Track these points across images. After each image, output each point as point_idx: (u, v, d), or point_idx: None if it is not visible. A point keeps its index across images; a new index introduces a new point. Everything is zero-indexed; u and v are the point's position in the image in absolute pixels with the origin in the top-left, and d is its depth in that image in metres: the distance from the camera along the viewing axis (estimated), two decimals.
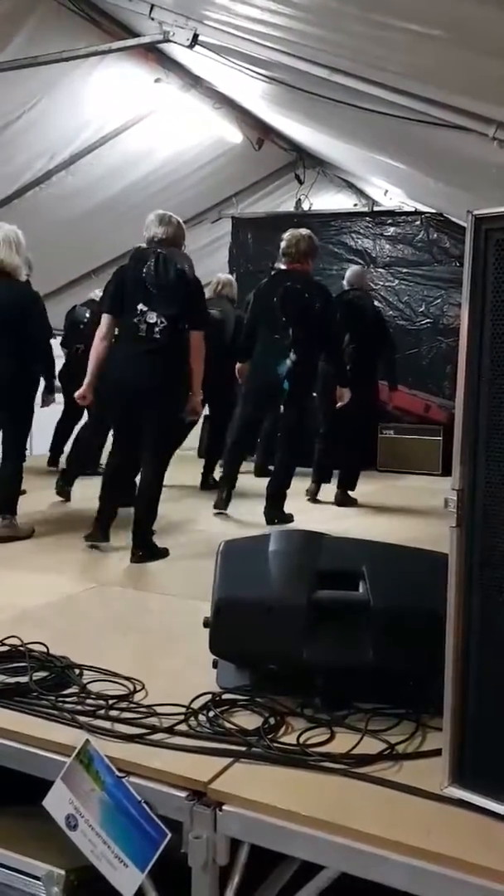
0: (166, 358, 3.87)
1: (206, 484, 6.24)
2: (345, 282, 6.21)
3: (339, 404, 5.29)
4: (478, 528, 1.59)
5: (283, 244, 4.95)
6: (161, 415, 3.91)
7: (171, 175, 8.12)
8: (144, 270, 3.89)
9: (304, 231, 5.00)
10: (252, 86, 6.20)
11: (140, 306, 3.87)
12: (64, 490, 5.31)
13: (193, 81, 6.95)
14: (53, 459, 6.81)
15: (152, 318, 3.86)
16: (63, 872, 1.85)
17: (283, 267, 5.01)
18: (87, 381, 4.14)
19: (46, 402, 5.18)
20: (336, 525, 4.74)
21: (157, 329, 3.86)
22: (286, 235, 4.99)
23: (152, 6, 5.15)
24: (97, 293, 6.41)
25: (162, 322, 3.85)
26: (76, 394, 4.24)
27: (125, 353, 3.97)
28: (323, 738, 1.91)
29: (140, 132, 7.31)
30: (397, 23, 3.53)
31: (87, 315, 6.27)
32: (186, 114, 7.20)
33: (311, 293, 4.82)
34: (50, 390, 5.27)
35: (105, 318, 4.07)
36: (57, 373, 5.58)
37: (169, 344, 3.86)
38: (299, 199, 9.22)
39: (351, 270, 6.41)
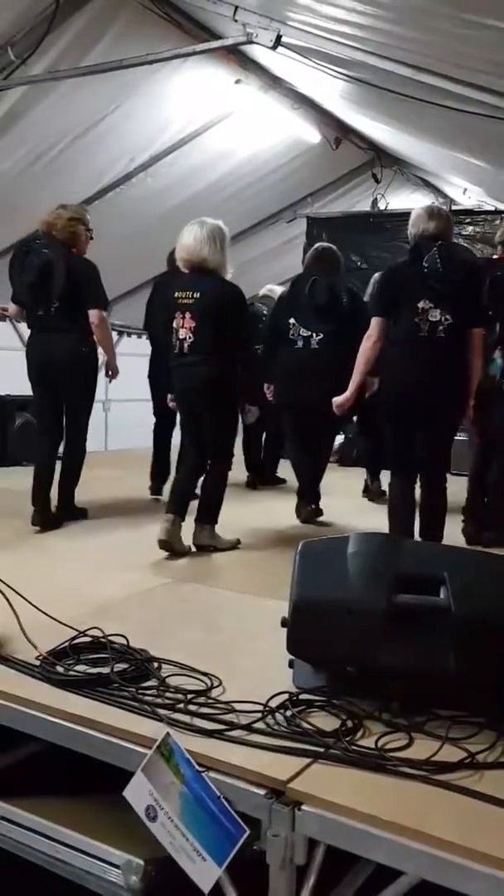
0: (452, 359, 3.64)
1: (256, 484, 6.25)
2: None
3: None
4: None
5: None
6: (446, 421, 3.75)
7: (248, 176, 8.17)
8: (426, 265, 3.60)
9: None
10: (332, 85, 6.18)
11: (422, 304, 3.62)
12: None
13: (273, 82, 6.97)
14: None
15: (435, 315, 3.62)
16: (142, 862, 1.88)
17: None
18: (355, 388, 3.94)
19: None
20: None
21: (440, 328, 3.61)
22: None
23: (236, 8, 5.18)
24: (272, 288, 6.44)
25: (447, 320, 3.60)
26: (337, 401, 4.05)
27: (407, 354, 3.71)
28: (401, 743, 1.89)
29: (219, 133, 7.37)
30: (485, 20, 3.48)
31: (265, 311, 6.00)
32: (265, 114, 7.24)
33: None
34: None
35: (377, 321, 3.80)
36: None
37: (454, 344, 3.62)
38: (375, 198, 9.15)
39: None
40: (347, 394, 3.99)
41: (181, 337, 3.95)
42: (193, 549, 3.95)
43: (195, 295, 3.95)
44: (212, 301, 3.92)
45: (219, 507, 4.06)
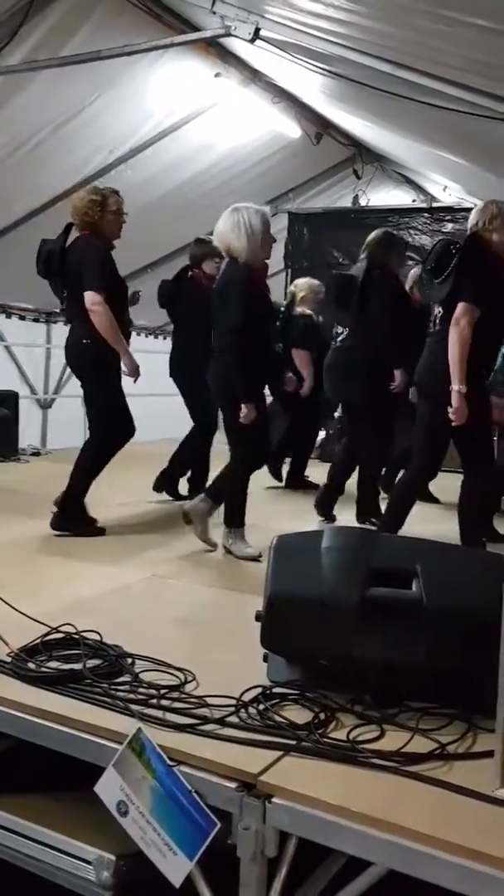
0: None
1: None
2: None
3: None
4: None
5: None
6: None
7: (228, 170, 8.14)
8: None
9: None
10: (312, 80, 6.17)
11: None
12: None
13: (253, 76, 6.95)
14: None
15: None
16: (113, 857, 1.88)
17: None
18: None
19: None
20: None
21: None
22: None
23: (214, 0, 5.16)
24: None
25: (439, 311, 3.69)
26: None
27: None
28: (373, 735, 1.91)
29: (199, 127, 7.34)
30: (464, 17, 3.49)
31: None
32: (245, 108, 7.21)
33: None
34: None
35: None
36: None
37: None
38: (357, 195, 9.15)
39: None
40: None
41: None
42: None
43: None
44: (219, 286, 3.94)
45: (233, 509, 3.91)
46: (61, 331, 6.89)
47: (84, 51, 5.55)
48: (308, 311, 6.09)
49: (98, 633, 2.41)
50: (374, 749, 1.83)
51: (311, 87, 6.64)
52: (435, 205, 9.36)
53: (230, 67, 6.71)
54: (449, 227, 8.62)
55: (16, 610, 2.49)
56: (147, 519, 4.48)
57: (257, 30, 4.99)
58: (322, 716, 1.98)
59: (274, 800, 1.68)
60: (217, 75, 6.70)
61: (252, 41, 5.10)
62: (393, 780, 1.73)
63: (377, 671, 2.07)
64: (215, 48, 6.41)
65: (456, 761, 1.80)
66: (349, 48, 4.65)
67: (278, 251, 9.28)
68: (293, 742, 1.84)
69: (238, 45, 6.07)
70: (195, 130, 7.36)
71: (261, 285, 3.94)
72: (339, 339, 4.82)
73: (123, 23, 5.68)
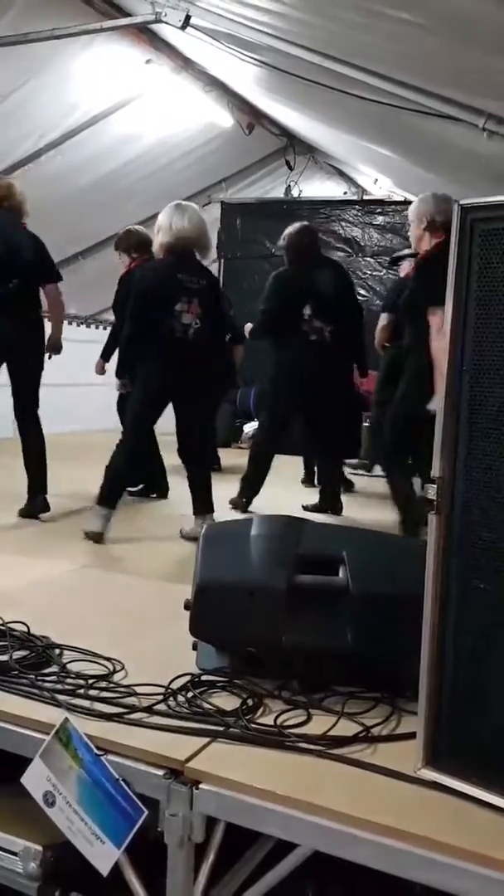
0: None
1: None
2: None
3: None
4: (456, 516, 1.61)
5: None
6: None
7: (160, 158, 8.07)
8: None
9: None
10: (244, 70, 6.16)
11: None
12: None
13: (185, 64, 6.90)
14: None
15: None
16: (40, 848, 1.87)
17: None
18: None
19: None
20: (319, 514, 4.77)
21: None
22: None
23: None
24: None
25: None
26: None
27: None
28: (300, 719, 1.93)
29: (130, 113, 7.25)
30: (388, 11, 3.53)
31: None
32: (177, 96, 7.16)
33: None
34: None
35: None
36: None
37: None
38: (289, 186, 9.20)
39: None
40: None
41: (185, 322, 3.94)
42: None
43: (202, 282, 4.01)
44: (213, 288, 4.10)
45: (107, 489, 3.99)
46: None
47: (11, 33, 5.43)
48: None
49: (25, 625, 2.38)
50: (301, 733, 1.86)
51: (243, 76, 6.63)
52: (366, 197, 9.48)
53: (161, 55, 6.65)
54: (379, 219, 8.75)
55: None
56: (75, 511, 4.43)
57: (188, 17, 4.97)
58: (250, 702, 1.99)
59: (201, 786, 1.69)
60: (148, 62, 6.62)
61: (183, 28, 5.07)
62: (319, 763, 1.76)
63: (305, 657, 2.10)
64: (146, 35, 6.34)
65: (380, 744, 1.84)
66: (278, 38, 4.66)
67: (211, 240, 9.27)
68: (221, 728, 1.86)
69: (169, 32, 6.02)
70: (126, 117, 7.28)
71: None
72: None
73: (54, 6, 5.56)
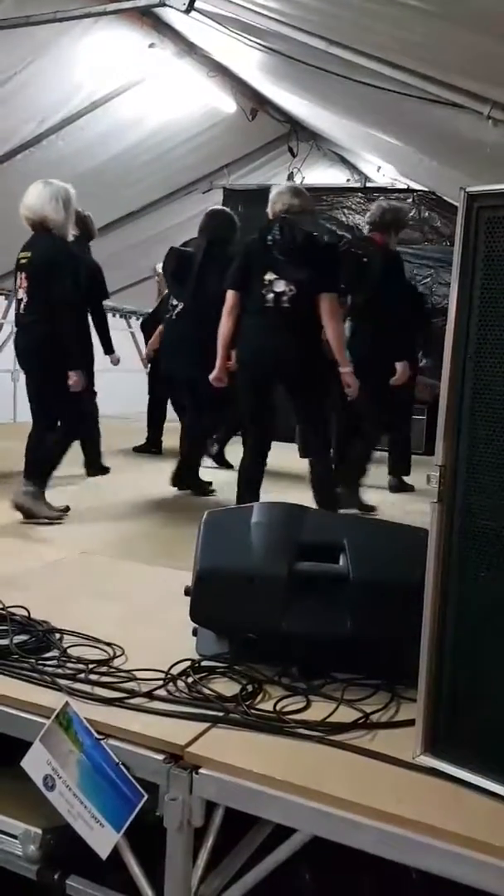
0: (296, 328, 3.77)
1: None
2: None
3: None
4: (459, 504, 1.61)
5: None
6: (301, 390, 3.84)
7: (162, 143, 8.02)
8: (270, 239, 3.78)
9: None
10: (248, 55, 6.12)
11: (267, 276, 3.78)
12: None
13: (188, 48, 6.85)
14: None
15: (280, 286, 3.77)
16: (40, 832, 1.88)
17: None
18: (219, 362, 4.04)
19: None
20: None
21: (284, 298, 3.77)
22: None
23: None
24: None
25: (291, 290, 3.76)
26: (212, 377, 4.10)
27: (254, 324, 3.88)
28: (299, 706, 1.94)
29: (132, 98, 7.20)
30: None
31: None
32: (180, 81, 7.11)
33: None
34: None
35: (231, 294, 3.97)
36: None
37: (298, 313, 3.76)
38: (292, 173, 9.13)
39: None
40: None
41: (19, 297, 3.99)
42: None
43: (27, 255, 4.01)
44: (40, 260, 3.96)
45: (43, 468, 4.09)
46: None
47: (13, 15, 5.39)
48: None
49: (26, 609, 2.39)
50: (300, 719, 1.86)
51: (248, 61, 6.59)
52: (369, 185, 9.43)
53: (165, 39, 6.60)
54: None
55: None
56: (76, 496, 4.44)
57: (192, 0, 4.92)
58: (250, 688, 2.00)
59: (201, 771, 1.70)
60: (151, 46, 6.57)
61: (187, 12, 5.03)
62: (318, 749, 1.77)
63: (304, 644, 2.11)
64: (149, 18, 6.29)
65: (379, 730, 1.85)
66: (283, 23, 4.62)
67: None
68: (221, 714, 1.86)
69: (173, 16, 5.98)
70: (128, 102, 7.22)
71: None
72: (175, 312, 5.00)
73: None
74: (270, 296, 3.77)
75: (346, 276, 4.58)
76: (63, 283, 3.95)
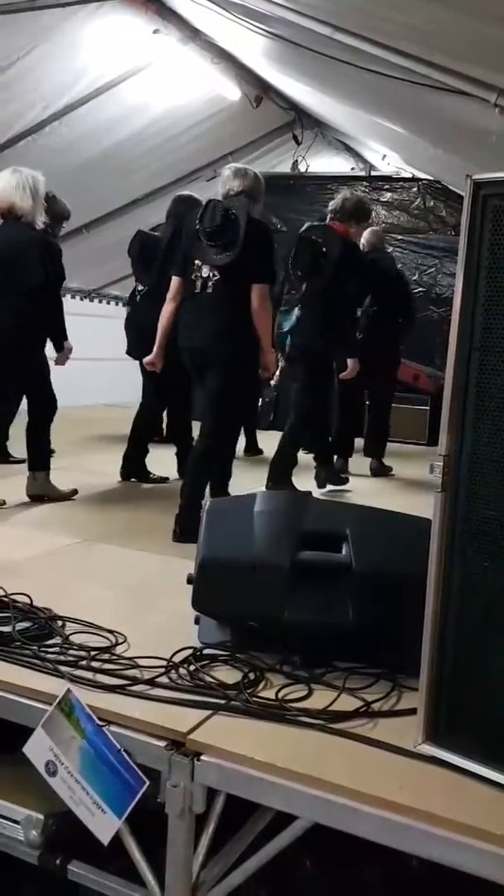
0: (217, 314, 3.68)
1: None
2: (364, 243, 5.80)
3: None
4: (462, 494, 1.61)
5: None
6: (214, 373, 3.72)
7: (166, 130, 7.98)
8: (198, 224, 3.67)
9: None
10: (253, 41, 6.08)
11: (197, 261, 3.72)
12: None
13: (192, 34, 6.80)
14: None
15: (205, 272, 3.70)
16: (41, 817, 1.89)
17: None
18: (156, 347, 4.05)
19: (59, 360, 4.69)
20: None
21: (209, 284, 3.69)
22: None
23: None
24: None
25: (214, 276, 3.66)
26: (146, 360, 4.16)
27: (184, 310, 3.85)
28: (301, 694, 1.95)
29: (136, 84, 7.15)
30: None
31: None
32: (184, 67, 7.06)
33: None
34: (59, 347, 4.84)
35: (174, 280, 3.90)
36: None
37: (222, 299, 3.67)
38: (296, 160, 9.10)
39: (368, 231, 5.95)
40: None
41: None
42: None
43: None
44: (7, 249, 3.93)
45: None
46: None
47: (17, 0, 5.35)
48: None
49: (28, 597, 2.39)
50: (302, 707, 1.87)
51: (252, 48, 6.54)
52: (374, 173, 9.38)
53: (169, 24, 6.55)
54: (387, 196, 8.67)
55: None
56: (78, 484, 4.44)
57: None
58: (251, 676, 2.01)
59: (203, 758, 1.70)
60: (156, 31, 6.53)
61: None
62: (319, 737, 1.77)
63: (306, 633, 2.11)
64: (154, 4, 6.25)
65: (380, 719, 1.85)
66: (288, 9, 4.59)
67: None
68: (222, 701, 1.87)
69: (177, 1, 5.94)
70: (132, 88, 7.18)
71: None
72: (140, 296, 5.05)
73: None
74: (199, 282, 3.72)
75: (301, 263, 4.66)
76: (34, 268, 3.95)
